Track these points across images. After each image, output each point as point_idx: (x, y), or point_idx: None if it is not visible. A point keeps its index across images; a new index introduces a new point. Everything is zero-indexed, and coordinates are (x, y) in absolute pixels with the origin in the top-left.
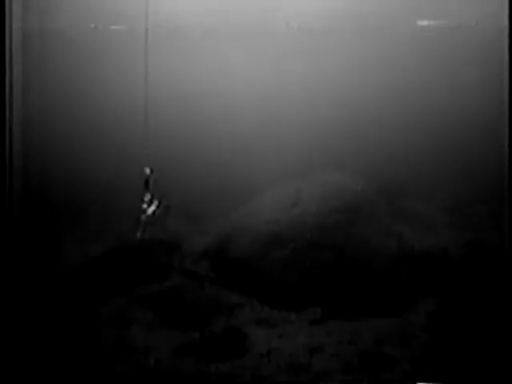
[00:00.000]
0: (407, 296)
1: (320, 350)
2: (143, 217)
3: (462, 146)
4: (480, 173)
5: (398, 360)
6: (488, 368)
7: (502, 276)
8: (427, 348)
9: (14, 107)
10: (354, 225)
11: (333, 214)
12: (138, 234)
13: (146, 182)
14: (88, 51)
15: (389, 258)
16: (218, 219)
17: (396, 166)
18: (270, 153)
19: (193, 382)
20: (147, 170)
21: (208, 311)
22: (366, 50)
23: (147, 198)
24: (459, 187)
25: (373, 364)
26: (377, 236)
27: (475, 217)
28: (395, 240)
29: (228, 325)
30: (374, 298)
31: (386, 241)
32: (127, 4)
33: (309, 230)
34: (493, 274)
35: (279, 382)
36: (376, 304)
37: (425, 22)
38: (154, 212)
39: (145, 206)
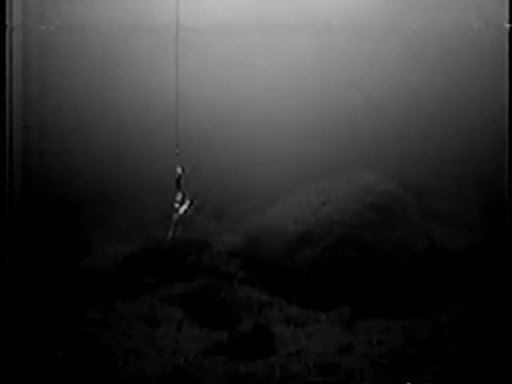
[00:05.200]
0: (437, 296)
1: (349, 349)
2: (175, 216)
3: (492, 145)
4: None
5: (427, 360)
6: None
7: None
8: (457, 349)
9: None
10: (383, 224)
11: (361, 213)
12: (170, 234)
13: (178, 182)
14: (118, 50)
15: (418, 258)
16: (247, 219)
17: (425, 165)
18: (299, 153)
19: (222, 381)
20: (179, 170)
21: (237, 310)
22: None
23: (179, 197)
24: (489, 186)
25: (402, 364)
26: (406, 235)
27: (507, 216)
28: (425, 239)
29: (257, 324)
30: (403, 298)
31: (416, 240)
32: (158, 3)
33: (337, 229)
34: None
35: (308, 381)
36: (406, 304)
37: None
38: (185, 211)
39: (177, 205)
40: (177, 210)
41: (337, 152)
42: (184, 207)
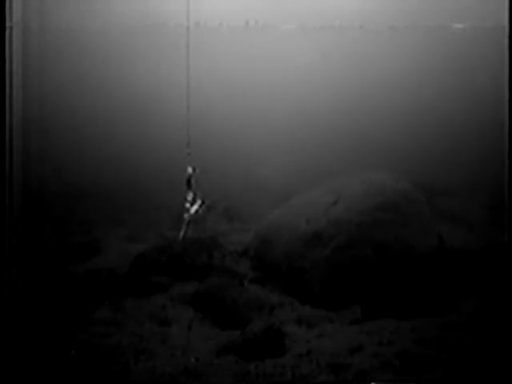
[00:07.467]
0: (448, 296)
1: (360, 349)
2: (186, 216)
3: (502, 144)
4: None
5: (438, 361)
6: None
7: None
8: (468, 349)
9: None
10: (394, 223)
11: (373, 212)
12: (181, 234)
13: (189, 182)
14: (124, 49)
15: (430, 257)
16: (258, 218)
17: (436, 164)
18: (310, 151)
19: (233, 380)
20: (190, 169)
21: (248, 310)
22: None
23: (190, 197)
24: (500, 185)
25: (413, 364)
26: (417, 235)
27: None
28: (436, 239)
29: (268, 324)
30: (414, 298)
31: (427, 240)
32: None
33: (349, 228)
34: None
35: (319, 381)
36: (416, 304)
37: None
38: (196, 211)
39: (188, 205)
40: (188, 210)
41: (348, 151)
42: (195, 207)
